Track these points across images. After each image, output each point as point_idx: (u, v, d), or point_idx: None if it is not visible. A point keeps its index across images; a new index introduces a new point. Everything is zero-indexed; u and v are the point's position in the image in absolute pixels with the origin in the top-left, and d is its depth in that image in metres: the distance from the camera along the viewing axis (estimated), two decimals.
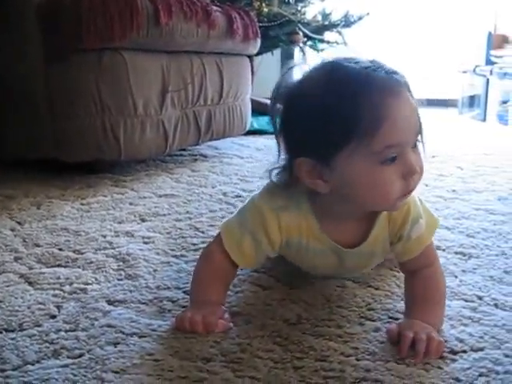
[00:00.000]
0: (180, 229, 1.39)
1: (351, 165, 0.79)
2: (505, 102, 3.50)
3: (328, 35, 3.44)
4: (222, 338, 0.86)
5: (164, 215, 1.51)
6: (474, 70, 3.92)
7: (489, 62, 3.86)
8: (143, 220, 1.46)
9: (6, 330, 0.88)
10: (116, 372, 0.76)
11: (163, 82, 1.97)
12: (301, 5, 3.37)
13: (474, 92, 3.99)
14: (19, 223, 1.41)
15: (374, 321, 0.93)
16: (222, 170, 2.11)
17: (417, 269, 0.94)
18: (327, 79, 0.79)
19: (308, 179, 0.83)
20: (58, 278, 1.08)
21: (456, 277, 1.12)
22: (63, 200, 1.63)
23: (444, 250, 1.26)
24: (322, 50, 3.47)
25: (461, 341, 0.87)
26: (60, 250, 1.23)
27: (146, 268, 1.14)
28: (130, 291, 1.03)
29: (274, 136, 0.89)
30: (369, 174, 0.78)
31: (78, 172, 1.93)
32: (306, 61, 3.42)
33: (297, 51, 3.55)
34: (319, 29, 3.36)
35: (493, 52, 3.86)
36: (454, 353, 0.83)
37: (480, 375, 0.78)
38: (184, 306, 0.96)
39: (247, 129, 2.60)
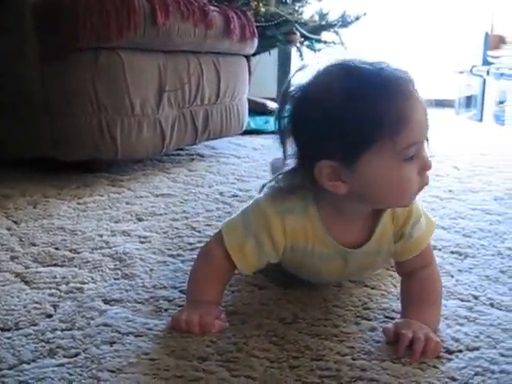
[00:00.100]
0: (176, 228, 1.39)
1: (375, 164, 0.79)
2: (501, 103, 3.51)
3: (325, 35, 3.44)
4: (218, 337, 0.86)
5: (161, 215, 1.51)
6: (471, 71, 3.92)
7: (486, 63, 3.87)
8: (140, 219, 1.46)
9: (2, 329, 0.87)
10: (112, 371, 0.76)
11: (160, 81, 1.97)
12: (298, 5, 3.36)
13: (470, 92, 4.00)
14: (15, 222, 1.41)
15: (370, 320, 0.94)
16: (218, 170, 2.11)
17: (413, 270, 0.95)
18: (348, 83, 0.79)
19: (328, 181, 0.83)
20: (55, 277, 1.08)
21: (452, 276, 1.12)
22: (60, 199, 1.63)
23: (440, 250, 1.26)
24: (319, 49, 3.46)
25: (456, 340, 0.87)
26: (56, 249, 1.23)
27: (143, 267, 1.14)
28: (127, 290, 1.03)
29: (273, 137, 0.88)
30: (392, 172, 0.80)
31: (75, 171, 1.93)
32: (304, 61, 3.42)
33: (294, 51, 3.55)
34: (316, 29, 3.35)
35: (490, 52, 3.87)
36: (450, 352, 0.84)
37: (475, 374, 0.78)
38: (180, 306, 0.96)
39: (244, 129, 2.60)
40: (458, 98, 4.14)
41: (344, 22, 3.37)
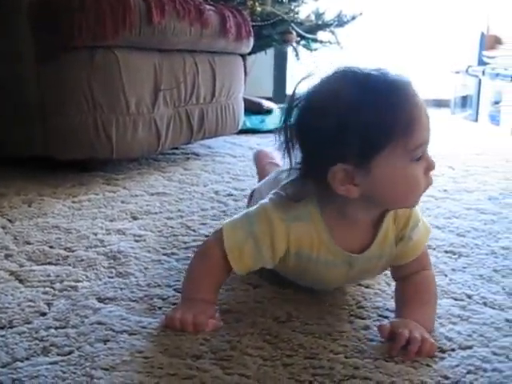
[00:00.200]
0: (171, 227, 1.39)
1: (388, 165, 0.81)
2: (497, 103, 3.51)
3: (321, 35, 3.44)
4: (212, 335, 0.86)
5: (155, 213, 1.51)
6: (467, 71, 3.92)
7: (481, 63, 3.87)
8: (135, 218, 1.46)
9: None
10: (105, 369, 0.77)
11: (155, 80, 1.97)
12: (294, 4, 3.36)
13: (466, 92, 4.00)
14: (10, 221, 1.41)
15: (363, 319, 0.94)
16: (214, 169, 2.11)
17: (409, 274, 0.96)
18: (360, 90, 0.81)
19: (341, 186, 0.84)
20: (49, 275, 1.08)
21: (446, 275, 1.13)
22: (55, 198, 1.63)
23: (434, 249, 1.27)
24: (316, 49, 3.47)
25: (449, 339, 0.87)
26: (51, 247, 1.23)
27: (137, 266, 1.14)
28: (121, 289, 1.03)
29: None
30: (403, 172, 0.82)
31: (70, 170, 1.93)
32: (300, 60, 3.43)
33: (290, 51, 3.55)
34: (312, 28, 3.35)
35: (485, 53, 3.87)
36: (443, 351, 0.84)
37: (468, 373, 0.78)
38: (174, 304, 0.96)
39: (240, 128, 2.61)
40: (454, 97, 4.14)
41: (340, 22, 3.37)
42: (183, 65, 2.11)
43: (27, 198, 1.61)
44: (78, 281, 1.06)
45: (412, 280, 0.95)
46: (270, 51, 3.63)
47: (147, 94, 1.94)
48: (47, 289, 1.02)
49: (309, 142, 0.86)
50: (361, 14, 3.39)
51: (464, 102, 4.03)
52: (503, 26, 3.92)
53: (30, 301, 0.97)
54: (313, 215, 0.90)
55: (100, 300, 0.98)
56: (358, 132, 0.80)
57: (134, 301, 0.98)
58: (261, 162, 1.54)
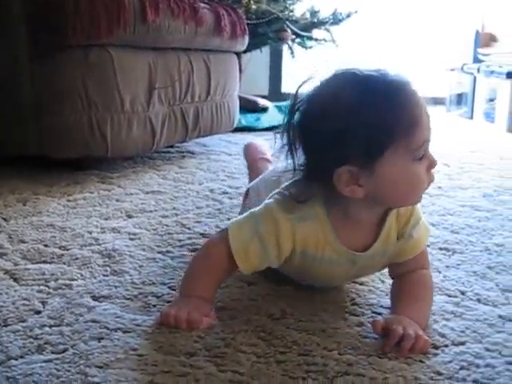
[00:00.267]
0: (166, 225, 1.39)
1: (391, 165, 0.83)
2: (492, 100, 3.52)
3: (316, 33, 3.45)
4: (206, 333, 0.86)
5: (150, 212, 1.51)
6: (462, 68, 3.93)
7: (476, 60, 3.88)
8: (130, 216, 1.46)
9: None
10: (99, 367, 0.77)
11: (150, 78, 1.97)
12: (289, 2, 3.36)
13: (461, 90, 4.01)
14: (5, 219, 1.41)
15: (357, 316, 0.94)
16: (209, 167, 2.11)
17: (406, 272, 0.96)
18: (363, 92, 0.82)
19: (346, 187, 0.84)
20: (44, 273, 1.08)
21: (440, 272, 1.13)
22: (50, 196, 1.63)
23: (429, 246, 1.26)
24: (311, 47, 3.47)
25: (443, 335, 0.88)
26: (45, 246, 1.23)
27: (132, 264, 1.14)
28: (116, 287, 1.03)
29: (283, 150, 0.89)
30: (407, 171, 0.84)
31: (65, 169, 1.92)
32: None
33: (285, 49, 3.55)
34: (307, 26, 3.36)
35: (480, 50, 3.88)
36: (436, 347, 0.84)
37: (461, 368, 0.79)
38: (169, 301, 0.97)
39: (235, 126, 2.61)
40: (449, 95, 4.15)
41: (335, 20, 3.38)
42: (178, 63, 2.11)
43: (22, 196, 1.61)
44: (73, 279, 1.06)
45: (408, 278, 0.96)
46: (266, 49, 3.63)
47: (142, 93, 1.94)
48: (42, 287, 1.02)
49: (313, 144, 0.87)
50: (356, 11, 3.40)
51: (459, 99, 4.04)
52: (498, 23, 3.93)
53: (25, 299, 0.97)
54: (319, 216, 0.90)
55: (94, 298, 0.98)
56: (362, 134, 0.81)
57: (128, 299, 0.98)
58: (252, 157, 1.54)
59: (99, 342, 0.83)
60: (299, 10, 3.43)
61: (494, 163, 2.32)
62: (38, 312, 0.93)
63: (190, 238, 1.30)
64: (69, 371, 0.75)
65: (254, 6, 3.04)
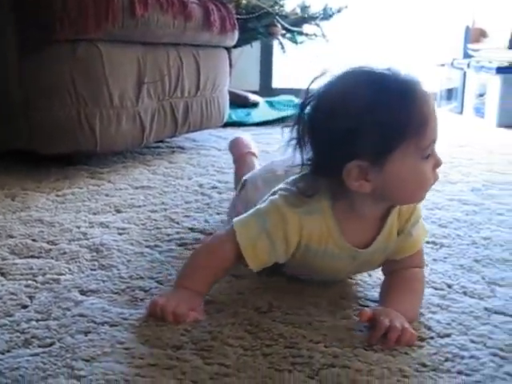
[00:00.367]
0: (155, 220, 1.39)
1: (401, 162, 0.84)
2: (481, 95, 3.53)
3: (307, 28, 3.44)
4: (193, 326, 0.86)
5: (139, 206, 1.51)
6: (452, 64, 3.94)
7: (466, 56, 3.89)
8: (118, 211, 1.46)
9: None
10: (86, 360, 0.77)
11: (139, 73, 1.97)
12: None
13: (451, 85, 4.02)
14: None
15: (344, 309, 0.95)
16: (199, 162, 2.11)
17: (399, 269, 0.97)
18: (376, 90, 0.83)
19: (354, 182, 0.85)
20: (31, 268, 1.08)
21: (427, 265, 1.13)
22: (38, 192, 1.62)
23: None
24: (301, 42, 3.47)
25: (429, 328, 0.88)
26: (34, 240, 1.23)
27: (120, 258, 1.14)
28: (103, 281, 1.03)
29: (290, 146, 0.90)
30: (415, 169, 0.85)
31: (55, 164, 1.92)
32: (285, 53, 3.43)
33: (276, 44, 3.54)
34: (298, 21, 3.35)
35: (470, 45, 3.89)
36: (422, 339, 0.85)
37: (446, 360, 0.79)
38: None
39: (225, 121, 2.60)
40: (439, 90, 4.16)
41: (326, 15, 3.38)
42: (167, 58, 2.11)
43: (10, 192, 1.61)
44: (61, 274, 1.06)
45: (400, 273, 0.97)
46: (256, 44, 3.62)
47: (131, 88, 1.94)
48: (29, 282, 1.02)
49: (323, 140, 0.87)
50: (346, 6, 3.40)
51: (449, 94, 4.05)
52: (488, 19, 3.94)
53: (12, 294, 0.97)
54: (325, 210, 0.91)
55: (82, 292, 0.98)
56: (375, 132, 0.82)
57: (115, 293, 0.98)
58: (239, 151, 1.55)
59: (86, 335, 0.83)
60: (289, 5, 3.43)
61: (483, 158, 2.33)
62: (25, 306, 0.93)
63: (178, 233, 1.30)
64: (55, 365, 0.76)
65: (243, 1, 3.04)
